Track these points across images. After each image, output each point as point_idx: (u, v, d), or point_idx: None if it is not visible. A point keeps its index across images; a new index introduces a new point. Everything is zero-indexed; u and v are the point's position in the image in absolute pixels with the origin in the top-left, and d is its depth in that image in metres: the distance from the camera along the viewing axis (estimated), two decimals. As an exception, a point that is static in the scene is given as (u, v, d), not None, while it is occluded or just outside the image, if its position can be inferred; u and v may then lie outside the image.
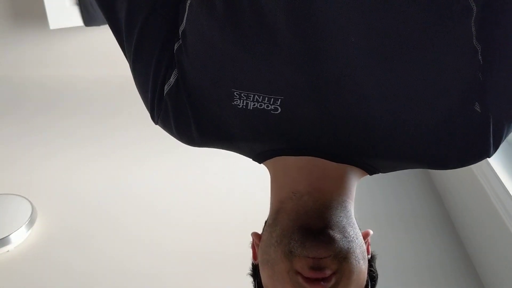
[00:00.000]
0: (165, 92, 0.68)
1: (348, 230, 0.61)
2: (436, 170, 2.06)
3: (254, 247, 0.70)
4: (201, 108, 0.67)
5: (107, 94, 2.93)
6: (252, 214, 1.94)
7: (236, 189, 2.07)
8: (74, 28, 2.77)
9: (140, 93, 0.72)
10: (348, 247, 0.59)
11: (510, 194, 1.38)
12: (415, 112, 0.62)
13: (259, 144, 0.68)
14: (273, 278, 0.61)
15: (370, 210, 1.95)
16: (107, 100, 2.86)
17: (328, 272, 0.57)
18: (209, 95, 0.66)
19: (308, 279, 0.57)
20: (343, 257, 0.59)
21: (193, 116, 0.67)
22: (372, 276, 0.68)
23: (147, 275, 1.66)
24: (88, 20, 2.69)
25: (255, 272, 0.70)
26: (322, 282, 0.57)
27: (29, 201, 1.90)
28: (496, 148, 0.65)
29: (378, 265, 1.84)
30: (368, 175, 0.70)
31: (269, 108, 0.63)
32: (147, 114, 0.73)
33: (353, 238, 0.61)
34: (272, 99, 0.63)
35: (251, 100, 0.63)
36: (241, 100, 0.64)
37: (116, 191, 2.06)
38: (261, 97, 0.63)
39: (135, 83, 0.71)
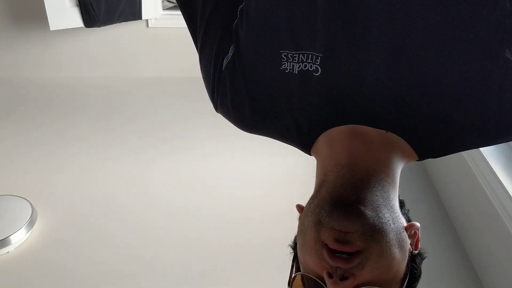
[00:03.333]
0: (224, 66, 0.71)
1: (383, 211, 0.56)
2: (435, 170, 2.06)
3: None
4: (253, 80, 0.69)
5: (107, 95, 2.93)
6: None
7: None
8: (74, 29, 2.77)
9: (204, 79, 0.75)
10: (379, 228, 0.55)
11: (510, 195, 1.38)
12: (449, 68, 0.58)
13: (304, 116, 0.68)
14: (303, 248, 0.59)
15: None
16: (107, 101, 2.86)
17: (352, 248, 0.54)
18: (260, 62, 0.68)
19: (331, 254, 0.54)
20: (372, 236, 0.54)
21: (247, 91, 0.70)
22: (413, 272, 0.63)
23: (147, 276, 1.66)
24: (89, 21, 2.70)
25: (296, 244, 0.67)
26: (345, 257, 0.53)
27: (29, 202, 1.91)
28: None
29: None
30: (417, 161, 0.65)
31: (312, 69, 0.64)
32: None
33: (387, 220, 0.56)
34: (314, 56, 0.63)
35: (297, 61, 0.65)
36: (288, 63, 0.65)
37: (116, 192, 2.07)
38: (305, 55, 0.64)
39: (201, 69, 0.75)
